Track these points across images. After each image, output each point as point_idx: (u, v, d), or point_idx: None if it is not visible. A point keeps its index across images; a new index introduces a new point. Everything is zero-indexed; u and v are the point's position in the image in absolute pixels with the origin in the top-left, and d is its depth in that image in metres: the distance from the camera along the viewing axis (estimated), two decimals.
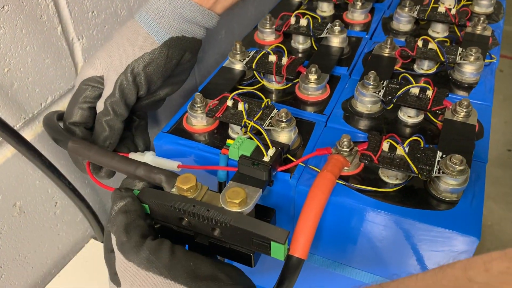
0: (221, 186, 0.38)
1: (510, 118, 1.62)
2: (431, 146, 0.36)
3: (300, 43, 0.52)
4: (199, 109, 0.41)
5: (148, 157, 0.39)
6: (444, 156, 0.35)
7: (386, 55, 0.48)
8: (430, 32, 0.54)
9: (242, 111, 0.40)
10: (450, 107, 0.41)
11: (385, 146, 0.36)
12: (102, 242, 0.56)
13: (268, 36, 0.53)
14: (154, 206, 0.35)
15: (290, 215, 0.39)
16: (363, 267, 0.40)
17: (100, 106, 0.41)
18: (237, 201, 0.33)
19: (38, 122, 0.46)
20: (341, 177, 0.37)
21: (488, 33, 0.51)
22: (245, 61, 0.47)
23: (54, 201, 0.51)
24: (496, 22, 0.57)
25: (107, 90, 0.40)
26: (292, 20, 0.52)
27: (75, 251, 0.55)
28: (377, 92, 0.42)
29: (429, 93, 0.41)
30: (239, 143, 0.37)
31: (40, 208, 0.49)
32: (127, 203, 0.34)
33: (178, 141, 0.41)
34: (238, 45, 0.47)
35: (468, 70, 0.45)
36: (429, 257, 0.36)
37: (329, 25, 0.51)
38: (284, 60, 0.46)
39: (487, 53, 0.49)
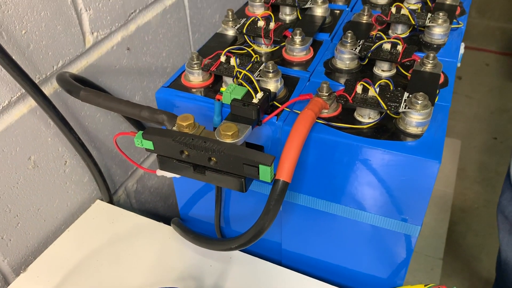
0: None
1: (495, 108, 1.69)
2: (399, 88, 0.42)
3: (287, 14, 0.57)
4: (195, 65, 0.46)
5: None
6: (410, 95, 0.40)
7: (363, 21, 0.54)
8: (405, 4, 0.59)
9: (234, 65, 0.45)
10: (419, 60, 0.46)
11: (359, 88, 0.41)
12: (108, 203, 0.61)
13: (258, 9, 0.58)
14: (157, 141, 0.40)
15: (277, 155, 0.44)
16: (344, 202, 0.45)
17: None
18: (230, 133, 0.38)
19: (50, 84, 0.51)
20: (322, 119, 0.42)
21: (456, 2, 0.56)
22: (236, 27, 0.52)
23: (64, 160, 0.55)
24: None
25: None
26: None
27: (82, 210, 0.60)
28: (354, 49, 0.47)
29: (400, 48, 0.46)
30: (231, 89, 0.42)
31: (52, 164, 0.54)
32: None
33: (177, 94, 0.46)
34: (230, 13, 0.52)
35: (436, 32, 0.51)
36: (400, 186, 0.41)
37: None
38: (272, 25, 0.51)
39: (455, 19, 0.54)
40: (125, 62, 0.61)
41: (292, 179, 0.43)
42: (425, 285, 0.47)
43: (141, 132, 0.40)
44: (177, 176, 0.47)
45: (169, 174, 0.48)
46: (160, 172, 0.49)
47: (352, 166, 0.41)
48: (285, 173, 0.37)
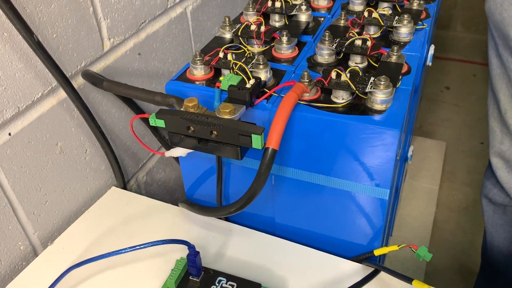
0: None
1: (482, 116, 1.77)
2: (366, 74, 0.50)
3: (276, 21, 0.66)
4: (198, 61, 0.55)
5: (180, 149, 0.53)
6: (375, 79, 0.49)
7: (341, 25, 0.63)
8: (377, 10, 0.68)
9: (230, 60, 0.54)
10: (385, 53, 0.55)
11: (333, 74, 0.50)
12: (122, 188, 0.69)
13: (251, 17, 0.67)
14: (168, 120, 0.48)
15: (267, 132, 0.52)
16: (325, 172, 0.53)
17: None
18: (227, 110, 0.47)
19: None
20: (304, 101, 0.50)
21: (421, 8, 0.65)
22: (232, 31, 0.61)
23: (85, 148, 0.64)
24: (432, 2, 0.71)
25: None
26: (269, 3, 0.66)
27: (99, 195, 0.68)
28: (331, 46, 0.56)
29: (369, 43, 0.55)
30: (229, 77, 0.50)
31: (75, 152, 0.62)
32: None
33: (183, 85, 0.55)
34: (227, 19, 0.61)
35: (402, 31, 0.60)
36: (370, 154, 0.49)
37: (297, 5, 0.66)
38: (263, 28, 0.60)
39: (420, 21, 0.63)
40: (137, 65, 0.70)
41: (280, 154, 0.51)
42: (398, 246, 0.55)
43: (154, 113, 0.49)
44: (183, 155, 0.56)
45: (175, 154, 0.56)
46: (168, 153, 0.57)
47: (329, 139, 0.50)
48: (273, 142, 0.46)
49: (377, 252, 0.55)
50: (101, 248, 0.59)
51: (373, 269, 0.54)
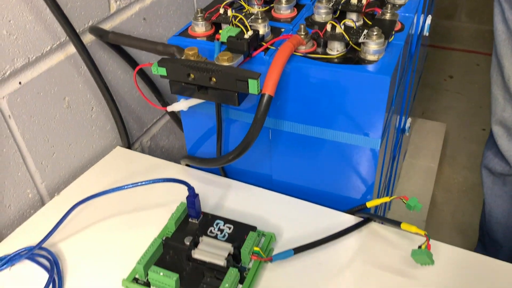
0: None
1: (484, 103, 1.78)
2: (360, 27, 0.52)
3: None
4: (199, 18, 0.58)
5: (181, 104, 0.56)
6: (368, 31, 0.51)
7: None
8: None
9: (230, 15, 0.56)
10: (380, 11, 0.57)
11: (329, 27, 0.52)
12: (127, 147, 0.72)
13: None
14: (169, 68, 0.50)
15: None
16: (319, 124, 0.55)
17: None
18: (226, 57, 0.49)
19: (82, 38, 0.62)
20: (300, 53, 0.53)
21: None
22: None
23: (91, 106, 0.66)
24: None
25: None
26: None
27: (104, 153, 0.70)
28: (328, 5, 0.58)
29: (364, 1, 0.57)
30: (228, 29, 0.53)
31: (81, 108, 0.65)
32: None
33: (185, 40, 0.57)
34: None
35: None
36: (362, 102, 0.51)
37: None
38: None
39: None
40: (141, 30, 0.73)
41: (277, 107, 0.53)
42: (389, 197, 0.57)
43: (156, 62, 0.51)
44: (184, 109, 0.58)
45: (177, 108, 0.59)
46: (170, 108, 0.60)
47: (324, 89, 0.52)
48: (269, 88, 0.48)
49: (369, 204, 0.57)
50: (105, 200, 0.61)
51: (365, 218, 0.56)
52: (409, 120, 0.90)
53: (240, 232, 0.52)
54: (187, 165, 0.67)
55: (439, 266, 0.51)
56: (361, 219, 0.57)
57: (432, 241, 0.52)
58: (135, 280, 0.48)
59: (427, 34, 0.78)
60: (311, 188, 0.63)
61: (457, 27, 2.11)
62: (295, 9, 0.62)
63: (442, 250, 0.54)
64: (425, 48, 1.07)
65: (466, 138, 1.62)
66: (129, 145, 0.73)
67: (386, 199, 0.56)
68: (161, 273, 0.46)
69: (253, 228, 0.52)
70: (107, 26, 0.66)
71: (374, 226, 0.57)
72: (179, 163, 0.68)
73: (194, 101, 0.57)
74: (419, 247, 0.48)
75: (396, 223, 0.52)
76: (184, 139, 0.67)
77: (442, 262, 0.52)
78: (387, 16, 0.56)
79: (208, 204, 0.60)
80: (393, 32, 0.55)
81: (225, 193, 0.62)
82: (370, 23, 0.58)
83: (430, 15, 0.78)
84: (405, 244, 0.54)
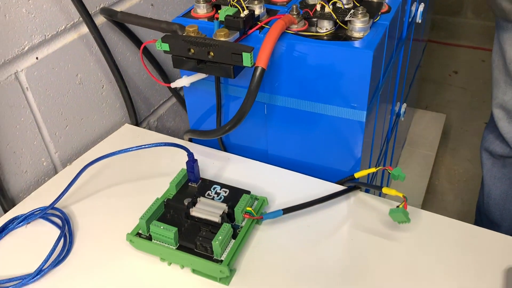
0: None
1: (487, 98, 1.80)
2: (347, 7, 0.57)
3: None
4: (201, 0, 0.62)
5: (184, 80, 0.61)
6: (354, 10, 0.55)
7: None
8: None
9: None
10: None
11: (318, 6, 0.56)
12: (135, 125, 0.77)
13: None
14: (171, 43, 0.55)
15: None
16: (310, 98, 0.60)
17: None
18: (223, 33, 0.54)
19: (95, 20, 0.67)
20: (292, 31, 0.57)
21: None
22: None
23: (102, 84, 0.72)
24: None
25: None
26: None
27: (114, 130, 0.76)
28: None
29: None
30: (226, 9, 0.58)
31: (92, 85, 0.70)
32: None
33: (187, 21, 0.62)
34: None
35: None
36: (348, 76, 0.55)
37: None
38: None
39: None
40: (149, 15, 0.78)
41: (271, 83, 0.58)
42: (375, 167, 0.61)
43: (160, 38, 0.56)
44: (187, 85, 0.63)
45: (180, 83, 0.64)
46: (173, 84, 0.65)
47: (313, 64, 0.56)
48: (262, 61, 0.53)
49: (357, 175, 0.62)
50: (114, 168, 0.67)
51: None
52: (404, 105, 0.94)
53: (235, 195, 0.56)
54: (189, 140, 0.72)
55: (419, 230, 0.55)
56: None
57: (413, 208, 0.57)
58: (138, 234, 0.53)
59: (420, 21, 0.82)
60: (304, 162, 0.67)
61: (463, 23, 2.14)
62: None
63: (423, 215, 0.58)
64: (422, 42, 1.11)
65: (468, 131, 1.65)
66: (137, 124, 0.78)
67: (372, 170, 0.61)
68: (162, 227, 0.51)
69: (247, 192, 0.57)
70: (117, 9, 0.71)
71: (361, 195, 0.61)
72: (183, 139, 0.72)
73: (195, 77, 0.62)
74: (397, 207, 0.52)
75: (378, 188, 0.56)
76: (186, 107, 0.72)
77: (421, 225, 0.56)
78: None
79: (207, 174, 0.65)
80: (379, 13, 0.59)
81: (224, 165, 0.67)
82: (359, 5, 0.62)
83: (423, 3, 0.82)
84: (388, 210, 0.58)
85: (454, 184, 1.44)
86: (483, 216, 1.06)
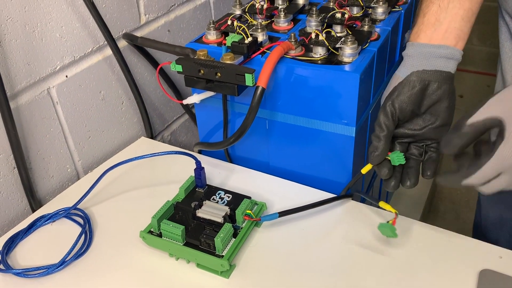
0: None
1: None
2: (339, 35, 0.64)
3: (280, 4, 0.81)
4: (211, 28, 0.71)
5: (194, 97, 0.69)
6: (344, 38, 0.63)
7: (330, 6, 0.77)
8: None
9: (235, 26, 0.69)
10: (360, 24, 0.69)
11: (313, 35, 0.64)
12: (150, 138, 0.84)
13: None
14: (184, 65, 0.63)
15: None
16: (307, 115, 0.67)
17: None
18: (228, 57, 0.62)
19: (117, 44, 0.76)
20: (290, 57, 0.65)
21: None
22: (241, 8, 0.76)
23: (122, 100, 0.80)
24: None
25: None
26: None
27: (131, 142, 0.83)
28: (318, 18, 0.70)
29: (346, 15, 0.69)
30: (232, 36, 0.66)
31: (113, 101, 0.78)
32: None
33: (199, 46, 0.70)
34: (238, 0, 0.77)
35: (379, 11, 0.73)
36: (339, 95, 0.62)
37: None
38: (265, 6, 0.75)
39: (396, 5, 0.77)
40: (166, 40, 0.86)
41: (272, 102, 0.65)
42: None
43: (174, 61, 0.64)
44: (197, 102, 0.71)
45: (191, 100, 0.71)
46: (185, 101, 0.72)
47: (309, 85, 0.64)
48: (262, 81, 0.60)
49: (363, 170, 0.65)
50: (131, 175, 0.74)
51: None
52: None
53: (237, 199, 0.63)
54: (199, 151, 0.79)
55: (406, 239, 0.60)
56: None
57: (405, 218, 0.62)
58: (150, 232, 0.60)
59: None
60: (303, 173, 0.74)
61: (469, 49, 2.20)
62: (292, 23, 0.74)
63: (414, 226, 0.63)
64: None
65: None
66: (152, 137, 0.86)
67: (368, 167, 0.65)
68: (171, 225, 0.58)
69: (248, 197, 0.64)
70: (137, 35, 0.79)
71: (353, 203, 0.67)
72: (193, 151, 0.80)
73: (204, 95, 0.70)
74: (388, 222, 0.57)
75: (375, 200, 0.61)
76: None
77: (409, 236, 0.61)
78: (365, 28, 0.68)
79: (214, 182, 0.72)
80: (369, 41, 0.66)
81: (229, 175, 0.74)
82: (351, 33, 0.69)
83: (409, 30, 0.89)
84: (377, 218, 0.64)
85: (456, 205, 1.48)
86: (481, 238, 1.10)
